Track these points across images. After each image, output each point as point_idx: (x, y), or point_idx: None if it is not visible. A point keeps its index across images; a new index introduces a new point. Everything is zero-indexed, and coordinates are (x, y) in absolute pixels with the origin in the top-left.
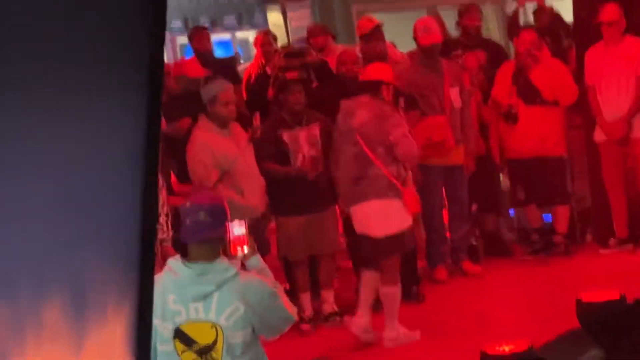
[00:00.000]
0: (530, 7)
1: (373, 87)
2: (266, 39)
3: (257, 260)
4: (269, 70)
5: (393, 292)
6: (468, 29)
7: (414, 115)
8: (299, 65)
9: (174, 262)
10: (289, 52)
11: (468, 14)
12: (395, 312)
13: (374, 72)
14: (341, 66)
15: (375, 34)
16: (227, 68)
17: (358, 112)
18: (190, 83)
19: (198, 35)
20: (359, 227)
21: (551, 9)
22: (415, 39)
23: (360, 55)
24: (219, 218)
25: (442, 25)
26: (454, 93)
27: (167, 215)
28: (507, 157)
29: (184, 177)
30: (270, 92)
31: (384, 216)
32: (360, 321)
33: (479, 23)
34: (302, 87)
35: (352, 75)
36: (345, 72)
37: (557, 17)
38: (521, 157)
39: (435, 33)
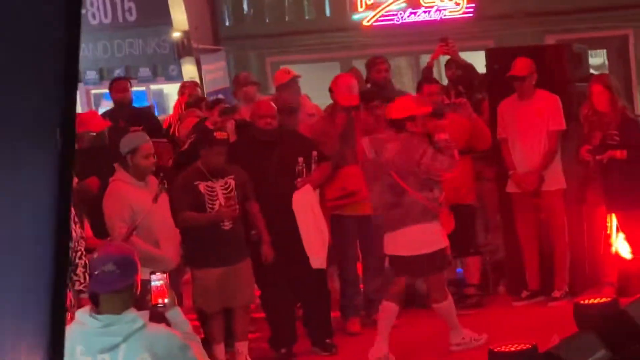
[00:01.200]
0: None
1: (398, 125)
2: (194, 89)
3: (177, 313)
4: (210, 125)
5: (445, 307)
6: (377, 81)
7: (325, 167)
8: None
9: (81, 314)
10: (225, 110)
11: (375, 67)
12: (454, 322)
13: (396, 110)
14: (259, 119)
15: (291, 85)
16: (150, 118)
17: (387, 146)
18: (96, 138)
19: (117, 86)
20: (391, 249)
21: (464, 61)
22: (333, 92)
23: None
24: (127, 269)
25: (359, 78)
26: (365, 143)
27: (84, 267)
28: None
29: (99, 231)
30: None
31: (419, 239)
32: (377, 351)
33: (386, 75)
34: (225, 147)
35: (270, 128)
36: (263, 126)
37: (470, 69)
38: None
39: (356, 95)
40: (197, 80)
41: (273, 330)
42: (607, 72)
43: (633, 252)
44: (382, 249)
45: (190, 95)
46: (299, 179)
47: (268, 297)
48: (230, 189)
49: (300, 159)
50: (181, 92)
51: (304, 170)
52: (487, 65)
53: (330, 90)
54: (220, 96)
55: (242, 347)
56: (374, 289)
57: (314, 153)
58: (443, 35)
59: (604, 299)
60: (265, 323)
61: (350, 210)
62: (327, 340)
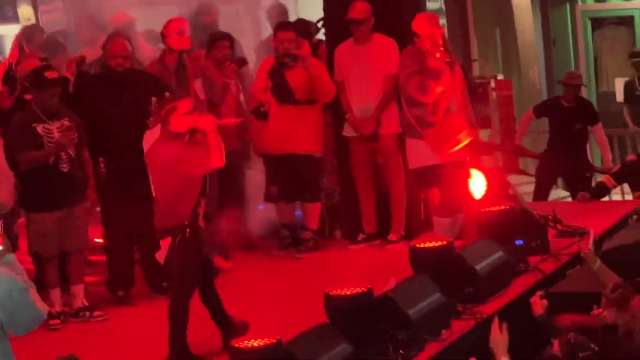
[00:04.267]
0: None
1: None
2: (41, 35)
3: (11, 259)
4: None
5: (440, 223)
6: (206, 25)
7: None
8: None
9: None
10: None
11: (205, 11)
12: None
13: (413, 23)
14: (112, 59)
15: (127, 29)
16: None
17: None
18: None
19: None
20: None
21: None
22: (165, 36)
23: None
24: None
25: None
26: (197, 85)
27: None
28: (259, 151)
29: None
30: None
31: (409, 153)
32: None
33: (215, 19)
34: (58, 87)
35: (123, 69)
36: (115, 66)
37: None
38: (273, 153)
39: (188, 38)
40: (34, 21)
41: (111, 272)
42: (444, 16)
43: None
44: (216, 192)
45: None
46: (151, 118)
47: (110, 238)
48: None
49: (154, 99)
50: (27, 37)
51: (157, 110)
52: (324, 9)
53: (162, 34)
54: None
55: (78, 290)
56: (210, 232)
57: (167, 94)
58: None
59: (439, 243)
60: (103, 266)
61: None
62: (164, 284)
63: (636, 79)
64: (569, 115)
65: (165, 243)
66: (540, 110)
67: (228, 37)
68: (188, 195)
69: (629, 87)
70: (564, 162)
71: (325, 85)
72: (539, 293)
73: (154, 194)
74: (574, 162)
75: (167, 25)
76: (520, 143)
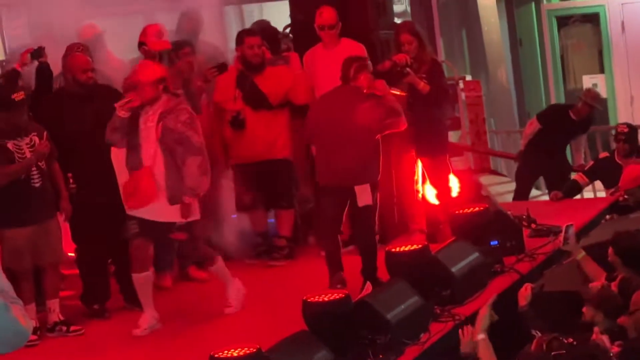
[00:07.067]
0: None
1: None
2: None
3: None
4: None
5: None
6: (186, 32)
7: None
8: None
9: None
10: (33, 53)
11: (186, 17)
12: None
13: None
14: (80, 73)
15: (97, 41)
16: None
17: None
18: None
19: None
20: None
21: None
22: (144, 44)
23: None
24: None
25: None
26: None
27: None
28: (233, 162)
29: None
30: None
31: None
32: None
33: (196, 26)
34: (25, 105)
35: (90, 82)
36: (84, 80)
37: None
38: (249, 162)
39: (167, 40)
40: None
41: (85, 286)
42: (409, 19)
43: (439, 198)
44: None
45: None
46: None
47: (82, 253)
48: (35, 145)
49: None
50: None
51: None
52: (291, 16)
53: (141, 43)
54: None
55: (53, 304)
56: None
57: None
58: None
59: (414, 246)
60: (77, 280)
61: None
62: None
63: None
64: (573, 128)
65: (361, 190)
66: (546, 119)
67: (188, 44)
68: (378, 153)
69: None
70: (546, 162)
71: (298, 86)
72: (528, 285)
73: (347, 154)
74: (555, 162)
75: (144, 32)
76: None
